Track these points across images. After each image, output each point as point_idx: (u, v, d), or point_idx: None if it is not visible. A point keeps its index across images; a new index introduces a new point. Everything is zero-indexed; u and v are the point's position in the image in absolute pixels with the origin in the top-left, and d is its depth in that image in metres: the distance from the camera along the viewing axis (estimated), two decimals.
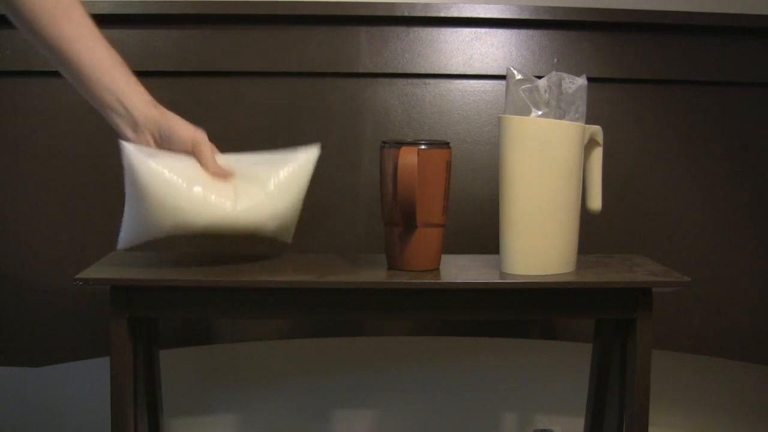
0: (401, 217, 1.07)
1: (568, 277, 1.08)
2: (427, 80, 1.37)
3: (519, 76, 1.08)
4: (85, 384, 1.49)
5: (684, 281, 1.07)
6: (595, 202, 1.13)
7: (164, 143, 1.06)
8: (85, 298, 1.32)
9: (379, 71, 1.36)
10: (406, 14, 1.34)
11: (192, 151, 1.06)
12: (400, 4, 1.34)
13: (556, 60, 1.36)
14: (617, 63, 1.37)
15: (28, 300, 1.35)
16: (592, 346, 1.26)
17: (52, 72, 1.33)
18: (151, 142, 1.06)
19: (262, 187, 1.07)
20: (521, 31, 1.36)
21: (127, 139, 1.05)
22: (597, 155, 1.12)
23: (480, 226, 1.31)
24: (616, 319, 1.16)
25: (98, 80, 1.04)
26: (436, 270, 1.09)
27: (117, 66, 1.05)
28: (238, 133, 1.35)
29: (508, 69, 1.09)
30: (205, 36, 1.35)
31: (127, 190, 1.05)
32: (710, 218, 1.39)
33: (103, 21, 1.33)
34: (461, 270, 1.10)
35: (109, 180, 1.35)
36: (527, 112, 1.07)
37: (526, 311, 1.09)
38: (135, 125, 1.05)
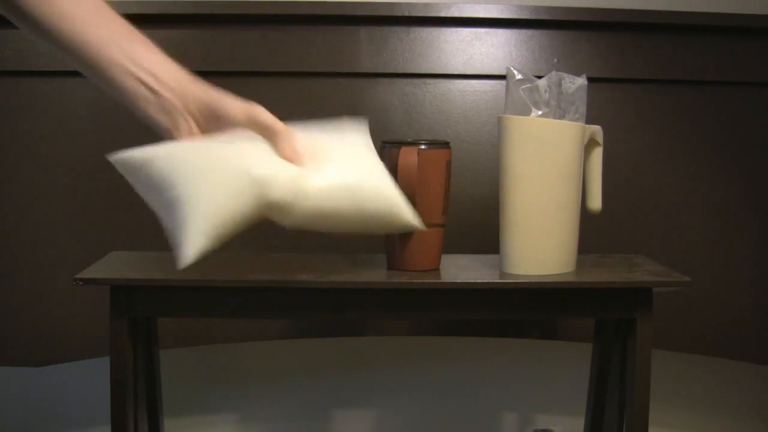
0: None
1: (568, 277, 1.07)
2: (427, 80, 1.37)
3: (519, 76, 1.08)
4: (85, 384, 1.49)
5: (684, 281, 1.07)
6: (595, 202, 1.13)
7: (212, 128, 0.85)
8: (85, 298, 1.32)
9: (379, 71, 1.36)
10: (406, 14, 1.34)
11: (257, 132, 0.86)
12: (400, 4, 1.34)
13: (556, 60, 1.36)
14: (617, 63, 1.37)
15: (28, 300, 1.35)
16: (592, 346, 1.26)
17: (52, 72, 1.34)
18: (194, 128, 0.85)
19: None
20: (521, 31, 1.36)
21: (164, 131, 0.84)
22: (597, 155, 1.12)
23: (480, 226, 1.31)
24: (616, 319, 1.16)
25: (110, 60, 0.81)
26: (436, 270, 1.09)
27: (135, 41, 0.84)
28: None
29: (508, 69, 1.09)
30: (205, 36, 1.35)
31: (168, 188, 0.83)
32: (710, 218, 1.39)
33: None
34: (461, 270, 1.10)
35: (110, 180, 1.35)
36: (527, 112, 1.07)
37: (526, 311, 1.09)
38: (169, 110, 0.83)
